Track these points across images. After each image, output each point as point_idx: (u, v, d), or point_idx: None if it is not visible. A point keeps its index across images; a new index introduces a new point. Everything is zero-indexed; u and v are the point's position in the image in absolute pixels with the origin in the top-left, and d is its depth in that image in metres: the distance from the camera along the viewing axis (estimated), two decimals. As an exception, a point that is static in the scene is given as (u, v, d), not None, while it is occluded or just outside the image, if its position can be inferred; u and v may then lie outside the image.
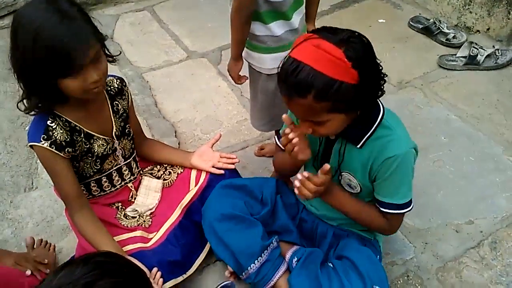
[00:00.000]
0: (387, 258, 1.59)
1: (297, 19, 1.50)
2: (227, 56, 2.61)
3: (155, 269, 1.36)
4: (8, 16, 3.07)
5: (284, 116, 1.20)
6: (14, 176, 1.95)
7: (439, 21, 2.68)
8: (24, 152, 2.07)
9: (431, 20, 2.69)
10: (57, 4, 1.14)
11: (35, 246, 1.56)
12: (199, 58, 2.67)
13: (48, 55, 1.12)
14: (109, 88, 1.46)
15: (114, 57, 1.35)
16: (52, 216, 1.77)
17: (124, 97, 1.50)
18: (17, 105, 1.27)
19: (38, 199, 1.84)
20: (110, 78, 1.47)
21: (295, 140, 1.20)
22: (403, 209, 1.30)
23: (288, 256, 1.48)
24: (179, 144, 2.09)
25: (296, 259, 1.45)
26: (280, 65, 1.10)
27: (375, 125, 1.22)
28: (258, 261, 1.40)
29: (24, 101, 1.26)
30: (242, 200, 1.48)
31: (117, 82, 1.49)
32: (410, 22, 2.79)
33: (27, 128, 2.19)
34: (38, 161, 1.98)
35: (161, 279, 1.35)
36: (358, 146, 1.24)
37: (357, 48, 1.06)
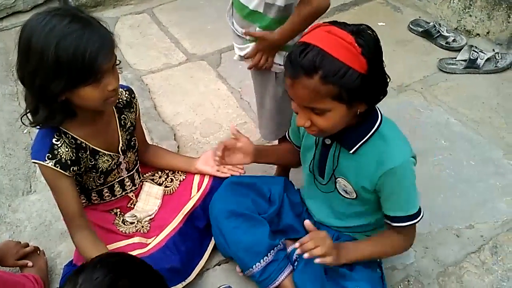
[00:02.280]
0: (387, 262, 1.58)
1: None
2: (226, 59, 2.64)
3: None
4: (7, 18, 3.06)
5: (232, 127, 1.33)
6: (12, 180, 1.94)
7: (439, 24, 2.67)
8: (23, 155, 2.05)
9: (431, 24, 2.68)
10: (71, 12, 1.12)
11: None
12: (199, 61, 2.66)
13: (73, 62, 1.09)
14: (117, 100, 1.42)
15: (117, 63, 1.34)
16: (51, 220, 1.76)
17: (132, 110, 1.48)
18: (21, 119, 1.24)
19: (36, 203, 1.83)
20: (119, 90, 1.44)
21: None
22: (416, 219, 1.28)
23: (290, 249, 1.49)
24: (178, 147, 2.08)
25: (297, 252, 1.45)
26: (289, 53, 1.10)
27: (370, 133, 1.20)
28: (263, 261, 1.41)
29: (28, 114, 1.23)
30: (250, 198, 1.48)
31: (126, 94, 1.46)
32: (410, 26, 2.79)
33: (25, 132, 2.18)
34: (37, 165, 1.98)
35: None
36: (351, 152, 1.23)
37: (368, 38, 1.06)
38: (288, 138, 1.52)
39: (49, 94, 1.15)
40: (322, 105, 1.09)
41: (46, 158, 1.25)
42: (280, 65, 1.49)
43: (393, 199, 1.26)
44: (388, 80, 1.14)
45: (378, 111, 1.23)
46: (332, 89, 1.05)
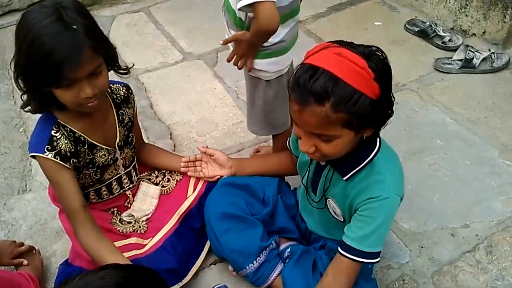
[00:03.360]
0: (382, 262, 1.58)
1: (290, 23, 1.47)
2: (223, 58, 2.63)
3: None
4: (3, 17, 3.05)
5: None
6: (7, 178, 1.93)
7: (435, 24, 2.68)
8: (18, 154, 2.05)
9: (427, 23, 2.69)
10: (64, 12, 1.10)
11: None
12: (195, 60, 2.66)
13: (41, 62, 1.08)
14: (115, 96, 1.42)
15: (128, 69, 1.33)
16: (46, 218, 1.76)
17: (130, 105, 1.47)
18: (21, 97, 1.24)
19: (31, 202, 1.82)
20: (116, 85, 1.43)
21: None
22: (366, 258, 1.20)
23: (282, 247, 1.49)
24: (174, 146, 2.08)
25: (289, 250, 1.46)
26: (293, 74, 1.04)
27: (365, 161, 1.17)
28: (256, 261, 1.41)
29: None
30: (244, 200, 1.48)
31: (123, 90, 1.45)
32: (406, 25, 2.79)
33: (21, 130, 2.17)
34: (32, 163, 1.98)
35: None
36: (345, 179, 1.20)
37: (379, 61, 1.02)
38: (288, 146, 1.51)
39: (28, 85, 1.16)
40: (331, 132, 1.04)
41: (46, 150, 1.23)
42: (267, 72, 1.49)
43: (358, 226, 1.20)
44: (393, 100, 1.10)
45: (378, 138, 1.19)
46: (343, 116, 1.00)
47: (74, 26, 1.09)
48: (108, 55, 1.24)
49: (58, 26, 1.08)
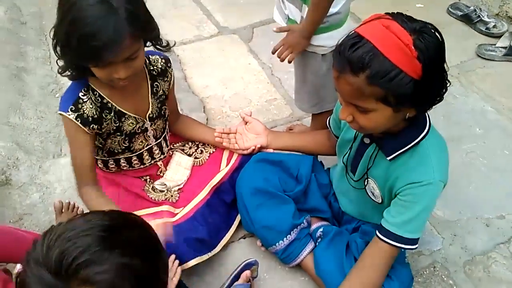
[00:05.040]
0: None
1: None
2: (258, 34, 2.60)
3: (172, 257, 1.32)
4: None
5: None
6: (43, 142, 1.96)
7: (480, 9, 2.58)
8: (54, 119, 2.07)
9: (471, 8, 2.60)
10: None
11: (63, 210, 1.57)
12: (231, 35, 2.63)
13: (81, 42, 1.08)
14: (152, 68, 1.41)
15: (169, 45, 1.35)
16: (80, 183, 1.78)
17: (166, 79, 1.46)
18: (57, 62, 1.25)
19: (66, 166, 1.85)
20: (155, 56, 1.42)
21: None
22: (405, 244, 1.18)
23: (314, 226, 1.48)
24: (207, 120, 2.08)
25: (321, 230, 1.45)
26: (341, 39, 1.03)
27: (412, 143, 1.13)
28: (286, 239, 1.40)
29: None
30: (277, 176, 1.47)
31: (162, 63, 1.44)
32: (449, 9, 2.70)
33: (57, 95, 2.20)
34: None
35: (179, 268, 1.31)
36: (388, 159, 1.17)
37: (429, 41, 0.97)
38: (328, 125, 1.49)
39: (65, 55, 1.18)
40: (365, 104, 1.02)
41: (69, 110, 1.26)
42: (324, 46, 1.47)
43: (398, 210, 1.18)
44: (448, 85, 1.05)
45: (428, 120, 1.16)
46: (377, 90, 0.98)
47: (119, 11, 1.08)
48: (150, 37, 1.25)
49: (102, 8, 1.07)
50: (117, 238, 0.74)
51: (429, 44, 0.97)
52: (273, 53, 1.54)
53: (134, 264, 0.72)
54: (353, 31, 1.01)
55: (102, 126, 1.33)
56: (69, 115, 1.26)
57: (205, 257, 1.43)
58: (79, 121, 1.27)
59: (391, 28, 0.96)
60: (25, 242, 1.34)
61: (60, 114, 1.28)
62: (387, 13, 1.02)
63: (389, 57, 0.95)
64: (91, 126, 1.29)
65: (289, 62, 1.52)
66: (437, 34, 1.00)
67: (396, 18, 0.98)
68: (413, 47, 0.95)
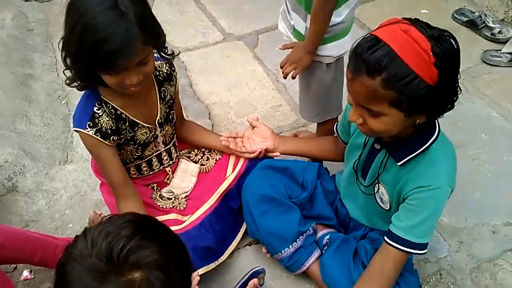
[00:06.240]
0: (419, 255, 1.55)
1: (351, 2, 1.44)
2: (263, 40, 2.61)
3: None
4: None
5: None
6: (50, 149, 1.97)
7: (485, 14, 2.58)
8: (60, 125, 2.09)
9: (476, 13, 2.59)
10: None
11: (94, 221, 1.58)
12: (236, 41, 2.64)
13: (93, 49, 1.09)
14: (158, 73, 1.41)
15: (174, 54, 1.35)
16: (86, 190, 1.79)
17: (172, 83, 1.46)
18: (64, 72, 1.25)
19: (72, 173, 1.86)
20: (159, 62, 1.43)
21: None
22: (413, 249, 1.19)
23: (320, 234, 1.48)
24: (212, 126, 2.09)
25: (328, 237, 1.45)
26: (357, 42, 1.03)
27: (422, 149, 1.14)
28: (292, 246, 1.41)
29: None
30: (282, 183, 1.47)
31: (166, 67, 1.44)
32: (454, 14, 2.70)
33: (63, 102, 2.22)
34: (74, 135, 2.01)
35: (197, 277, 1.29)
36: (399, 164, 1.18)
37: (447, 48, 0.97)
38: (335, 131, 1.49)
39: (75, 65, 1.18)
40: (377, 108, 1.03)
41: (87, 126, 1.26)
42: (330, 56, 1.48)
43: (406, 214, 1.19)
44: (459, 92, 1.06)
45: (437, 126, 1.16)
46: (392, 94, 0.98)
47: (129, 17, 1.09)
48: (158, 43, 1.25)
49: (113, 14, 1.08)
50: (150, 228, 0.85)
51: (446, 51, 0.98)
52: (281, 67, 1.56)
53: (168, 249, 0.82)
54: (370, 34, 1.01)
55: (121, 136, 1.34)
56: (88, 131, 1.26)
57: (212, 265, 1.43)
58: (99, 136, 1.27)
59: (410, 33, 0.97)
60: (36, 242, 1.38)
61: (77, 131, 1.28)
62: (404, 18, 1.02)
63: (407, 62, 0.95)
64: (111, 138, 1.29)
65: (293, 78, 1.53)
66: (453, 41, 1.00)
67: (415, 24, 0.99)
68: (431, 53, 0.95)
